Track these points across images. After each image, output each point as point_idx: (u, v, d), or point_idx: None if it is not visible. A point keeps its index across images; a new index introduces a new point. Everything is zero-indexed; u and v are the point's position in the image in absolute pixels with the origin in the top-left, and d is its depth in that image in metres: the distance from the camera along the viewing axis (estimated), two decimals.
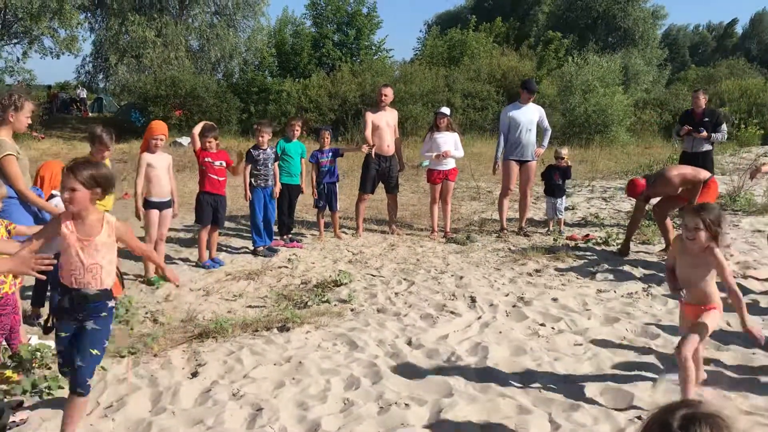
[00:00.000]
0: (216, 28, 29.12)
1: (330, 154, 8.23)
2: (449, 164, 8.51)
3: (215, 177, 6.95)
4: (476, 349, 4.90)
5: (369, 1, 29.12)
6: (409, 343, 5.02)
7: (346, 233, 8.69)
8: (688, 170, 7.33)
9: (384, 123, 8.40)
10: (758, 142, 22.18)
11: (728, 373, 4.60)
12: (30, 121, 4.70)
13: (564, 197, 9.10)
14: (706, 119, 8.82)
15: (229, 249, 7.88)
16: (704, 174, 7.27)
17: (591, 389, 4.27)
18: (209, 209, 6.94)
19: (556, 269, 7.14)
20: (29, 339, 4.65)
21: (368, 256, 7.63)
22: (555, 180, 8.90)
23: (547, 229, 9.01)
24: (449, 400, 4.02)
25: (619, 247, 7.82)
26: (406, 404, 3.98)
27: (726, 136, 9.35)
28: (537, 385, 4.31)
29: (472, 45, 27.04)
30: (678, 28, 66.88)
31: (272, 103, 23.54)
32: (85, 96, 37.80)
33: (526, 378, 4.43)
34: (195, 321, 5.39)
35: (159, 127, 6.43)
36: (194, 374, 4.39)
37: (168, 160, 6.45)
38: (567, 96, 22.45)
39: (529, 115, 8.46)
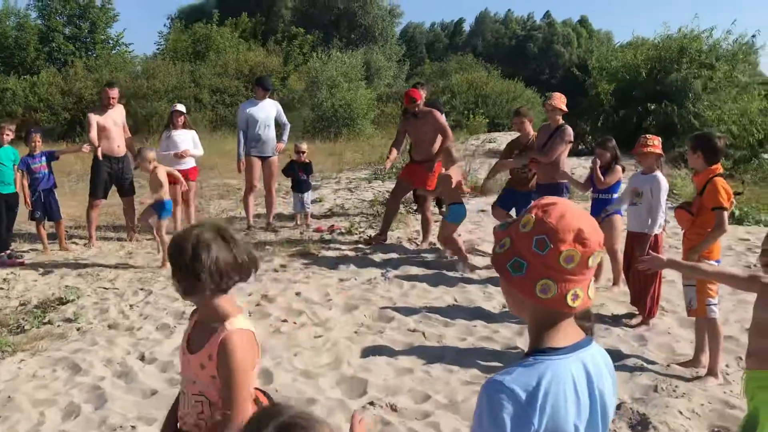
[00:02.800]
0: None
1: (43, 158, 7.43)
2: (188, 163, 8.17)
3: None
4: None
5: None
6: (142, 358, 4.70)
7: (77, 243, 7.96)
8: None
9: (111, 122, 7.79)
10: (484, 130, 24.53)
11: (454, 345, 4.94)
12: None
13: (310, 191, 9.20)
14: None
15: None
16: None
17: (328, 381, 4.32)
18: None
19: (302, 263, 7.19)
20: None
21: (102, 267, 7.04)
22: (299, 175, 8.95)
23: (294, 222, 9.06)
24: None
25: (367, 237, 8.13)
26: (132, 426, 3.71)
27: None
28: (276, 384, 4.26)
29: (217, 40, 26.40)
30: (415, 26, 71.45)
31: None
32: None
33: (265, 378, 4.36)
34: None
35: None
36: None
37: None
38: (314, 91, 22.90)
39: (266, 111, 8.38)
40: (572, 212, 1.38)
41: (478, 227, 8.87)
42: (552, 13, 75.24)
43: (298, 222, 9.02)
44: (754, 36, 19.44)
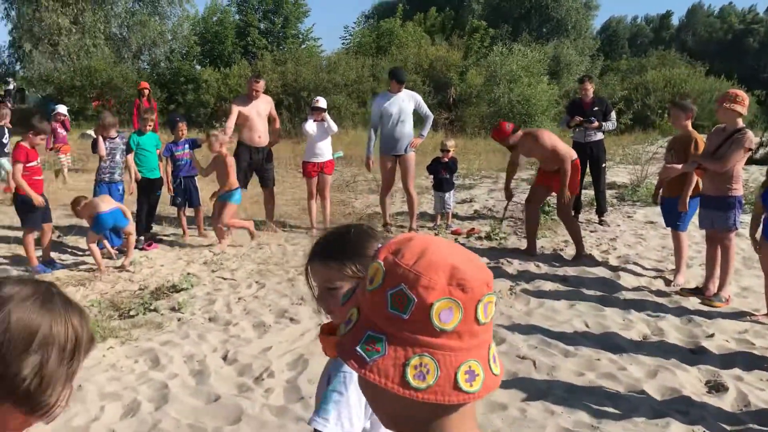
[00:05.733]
0: (138, 15, 27.98)
1: (186, 145, 7.63)
2: (325, 156, 8.00)
3: (38, 178, 6.33)
4: (297, 362, 4.41)
5: None
6: (225, 357, 4.50)
7: None
8: (561, 144, 6.97)
9: (254, 113, 7.82)
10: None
11: (566, 380, 4.21)
12: None
13: (452, 191, 8.68)
14: (596, 108, 8.50)
15: (75, 251, 7.21)
16: (573, 153, 6.97)
17: None
18: (38, 209, 6.26)
19: None
20: None
21: (229, 256, 7.05)
22: (442, 174, 8.46)
23: (434, 223, 8.59)
24: (232, 428, 3.53)
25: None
26: None
27: (615, 124, 9.05)
28: None
29: (400, 34, 26.52)
30: (617, 20, 67.61)
31: (190, 92, 22.70)
32: (11, 87, 35.64)
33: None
34: None
35: None
36: None
37: None
38: (492, 86, 22.16)
39: (401, 105, 7.92)
40: (437, 245, 0.88)
41: (640, 241, 7.81)
42: None
43: (438, 222, 8.54)
44: None
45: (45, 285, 1.11)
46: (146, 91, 13.02)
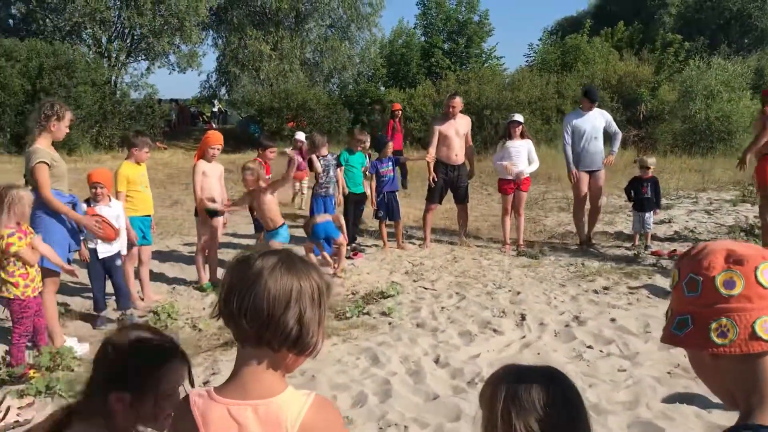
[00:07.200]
0: (330, 41, 29.82)
1: (390, 163, 8.11)
2: (521, 173, 8.14)
3: None
4: None
5: (480, 9, 28.75)
6: (437, 360, 4.77)
7: (414, 244, 8.50)
8: None
9: (452, 132, 8.13)
10: None
11: None
12: (68, 130, 4.92)
13: (653, 211, 8.41)
14: None
15: None
16: None
17: (618, 421, 3.84)
18: None
19: (628, 287, 6.59)
20: (65, 341, 4.84)
21: (427, 267, 7.39)
22: (643, 193, 8.24)
23: (632, 243, 8.37)
24: (453, 425, 3.76)
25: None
26: (405, 426, 3.76)
27: None
28: None
29: (586, 50, 25.91)
30: None
31: (376, 113, 23.73)
32: (215, 109, 39.35)
33: None
34: None
35: (216, 138, 6.57)
36: (205, 383, 4.38)
37: (220, 170, 6.58)
38: (687, 102, 20.97)
39: (593, 122, 7.97)
40: (715, 242, 1.17)
41: None
42: None
43: (636, 243, 8.31)
44: None
45: (284, 252, 1.42)
46: (398, 112, 13.74)
